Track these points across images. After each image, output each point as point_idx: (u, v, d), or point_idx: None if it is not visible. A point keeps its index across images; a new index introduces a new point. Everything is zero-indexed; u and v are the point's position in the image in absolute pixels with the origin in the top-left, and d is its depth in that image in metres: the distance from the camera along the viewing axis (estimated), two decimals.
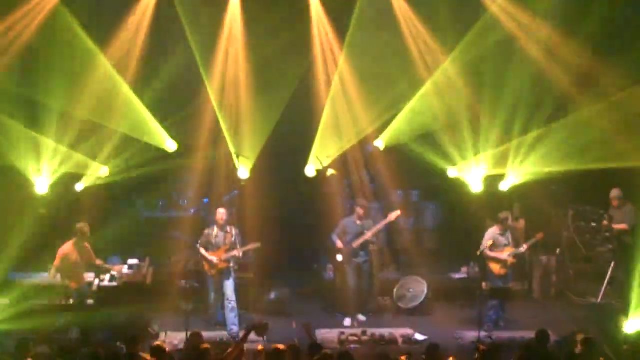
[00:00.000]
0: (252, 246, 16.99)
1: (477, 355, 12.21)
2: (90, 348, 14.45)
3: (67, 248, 16.11)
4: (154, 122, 19.17)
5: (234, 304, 16.73)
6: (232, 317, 16.63)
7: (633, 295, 16.95)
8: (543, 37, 18.85)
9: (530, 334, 15.18)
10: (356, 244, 17.48)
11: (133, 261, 16.74)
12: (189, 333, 14.53)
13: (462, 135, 19.63)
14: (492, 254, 17.01)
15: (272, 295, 18.27)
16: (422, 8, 19.01)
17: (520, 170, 19.35)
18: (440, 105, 19.54)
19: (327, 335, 16.72)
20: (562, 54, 18.69)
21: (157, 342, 14.52)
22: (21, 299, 15.26)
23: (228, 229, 16.87)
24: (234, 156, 19.33)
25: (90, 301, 15.75)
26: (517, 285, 18.88)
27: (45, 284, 15.74)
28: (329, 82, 19.66)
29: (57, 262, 16.01)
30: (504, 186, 19.49)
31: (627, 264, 18.53)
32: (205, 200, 19.67)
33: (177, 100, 19.32)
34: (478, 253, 17.12)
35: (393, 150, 19.94)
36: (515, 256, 17.23)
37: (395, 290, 18.53)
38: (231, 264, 16.84)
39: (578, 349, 12.71)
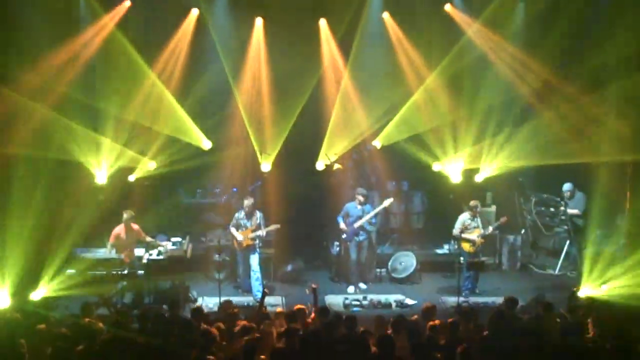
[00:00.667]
0: (273, 227, 16.95)
1: (457, 316, 12.24)
2: (140, 310, 14.52)
3: (119, 229, 16.21)
4: (193, 124, 19.13)
5: (258, 274, 16.74)
6: (257, 285, 16.63)
7: (584, 268, 16.94)
8: (510, 55, 18.82)
9: (500, 300, 15.21)
10: (357, 224, 17.46)
11: (176, 239, 16.70)
12: (221, 299, 14.57)
13: (444, 136, 19.57)
14: (464, 235, 17.05)
15: (289, 267, 18.24)
16: (412, 31, 19.05)
17: (492, 165, 19.27)
18: (426, 112, 19.48)
19: (333, 300, 16.77)
20: (526, 68, 18.65)
21: (196, 305, 14.66)
22: (84, 270, 15.23)
23: (254, 212, 16.85)
24: (258, 153, 19.33)
25: (140, 272, 15.71)
26: (489, 260, 18.83)
27: (103, 258, 15.68)
28: (335, 93, 19.62)
29: (111, 240, 16.11)
30: (478, 178, 19.42)
31: (579, 242, 18.56)
32: (234, 189, 19.58)
33: (212, 106, 19.27)
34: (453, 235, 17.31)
35: (388, 148, 19.86)
36: (484, 237, 17.24)
37: (389, 263, 18.49)
38: (256, 242, 16.83)
39: (539, 312, 12.69)
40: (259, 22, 19.16)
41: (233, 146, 19.53)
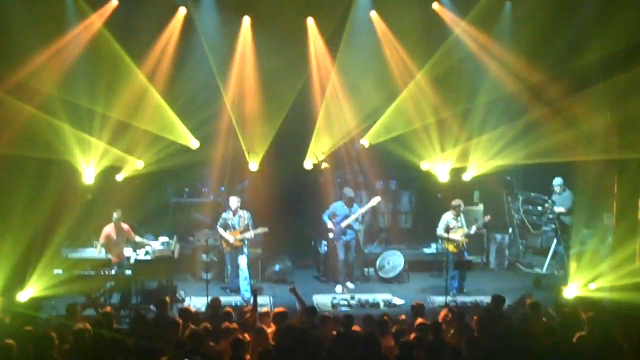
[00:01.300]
0: (261, 231, 16.91)
1: (450, 316, 12.26)
2: (128, 310, 14.53)
3: (109, 229, 16.13)
4: (180, 123, 19.13)
5: (247, 275, 16.73)
6: (245, 285, 16.63)
7: (571, 267, 17.01)
8: (498, 54, 18.85)
9: (488, 299, 15.25)
10: (344, 224, 17.47)
11: (164, 239, 16.62)
12: (209, 298, 14.57)
13: (431, 135, 19.63)
14: (446, 236, 17.06)
15: (277, 267, 18.24)
16: (399, 30, 19.04)
17: (480, 164, 19.34)
18: (414, 111, 19.52)
19: (321, 299, 16.78)
20: (513, 68, 18.67)
21: (185, 306, 14.64)
22: (72, 270, 15.18)
23: (241, 213, 16.84)
24: (246, 152, 19.32)
25: (128, 272, 15.66)
26: (476, 259, 18.89)
27: (91, 258, 15.65)
28: (323, 92, 19.65)
29: (101, 240, 16.04)
30: (466, 177, 19.51)
31: (566, 241, 18.62)
32: (222, 188, 19.59)
33: (199, 106, 19.18)
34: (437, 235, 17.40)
35: (376, 147, 19.87)
36: (468, 236, 17.29)
37: (377, 262, 18.52)
38: (245, 243, 16.82)
39: (527, 311, 12.72)
40: (246, 21, 19.13)
41: (221, 145, 19.49)
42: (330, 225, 17.54)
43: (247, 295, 16.41)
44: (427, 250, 19.72)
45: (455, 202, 17.28)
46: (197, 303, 16.01)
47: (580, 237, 18.66)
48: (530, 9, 18.08)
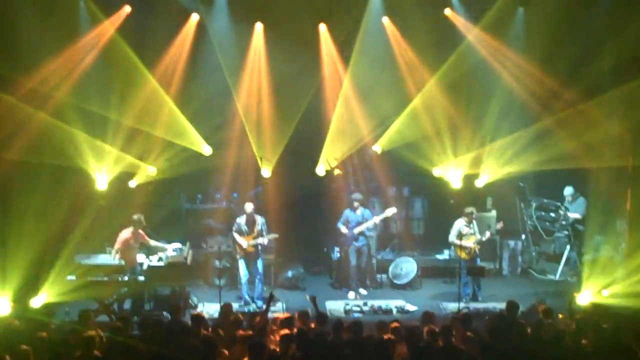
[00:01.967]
0: (272, 236, 16.94)
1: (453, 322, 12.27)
2: (140, 316, 14.55)
3: (127, 234, 16.09)
4: (193, 130, 19.16)
5: (261, 278, 16.81)
6: (259, 287, 16.70)
7: (584, 273, 16.97)
8: (510, 60, 18.84)
9: (501, 305, 15.22)
10: (357, 230, 17.49)
11: (176, 245, 16.67)
12: (222, 304, 14.59)
13: (444, 141, 19.60)
14: (459, 242, 17.06)
15: (289, 273, 18.26)
16: (411, 36, 18.97)
17: (492, 170, 19.32)
18: (426, 117, 19.51)
19: (334, 305, 16.81)
20: (526, 74, 18.67)
21: (197, 312, 14.65)
22: (84, 276, 15.22)
23: (255, 218, 16.85)
24: (258, 158, 19.34)
25: (141, 278, 15.70)
26: (489, 265, 18.86)
27: (103, 264, 15.70)
28: (335, 98, 19.65)
29: (118, 245, 15.98)
30: (478, 183, 19.48)
31: (579, 247, 18.59)
32: (235, 194, 19.63)
33: (212, 112, 19.18)
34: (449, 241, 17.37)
35: (388, 153, 19.87)
36: (480, 242, 17.26)
37: (390, 268, 18.52)
38: (258, 248, 16.85)
39: (540, 317, 12.70)
40: (259, 27, 19.15)
41: (233, 151, 19.51)
42: (344, 230, 17.57)
43: (260, 302, 16.47)
44: (439, 256, 19.67)
45: (467, 209, 17.27)
46: (209, 309, 16.02)
47: (594, 243, 18.66)
48: (543, 14, 18.08)
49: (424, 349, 10.61)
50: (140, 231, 16.26)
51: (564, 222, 18.83)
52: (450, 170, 19.50)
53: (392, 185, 20.11)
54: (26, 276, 15.13)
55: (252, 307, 16.41)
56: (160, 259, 16.06)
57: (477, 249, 17.22)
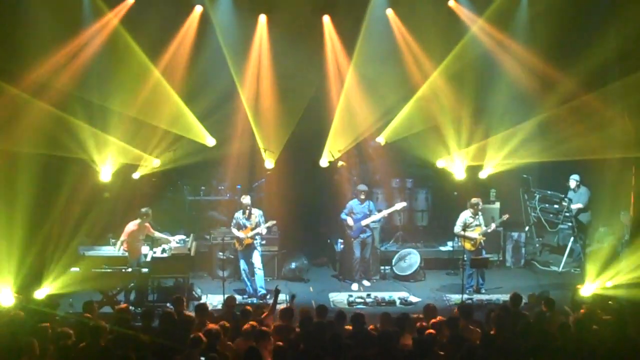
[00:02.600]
0: (270, 223, 16.77)
1: (456, 313, 12.27)
2: (144, 308, 14.56)
3: (133, 226, 16.05)
4: (197, 121, 19.16)
5: (261, 272, 16.70)
6: (260, 281, 16.64)
7: (587, 264, 16.97)
8: (514, 51, 18.84)
9: (504, 297, 15.24)
10: (364, 222, 17.45)
11: (180, 236, 16.69)
12: (225, 296, 14.60)
13: (447, 133, 19.58)
14: (463, 233, 17.00)
15: (293, 265, 18.21)
16: (415, 28, 19.03)
17: (496, 162, 19.29)
18: (430, 109, 19.51)
19: (337, 297, 16.80)
20: (530, 65, 18.66)
21: (201, 302, 14.66)
22: (88, 268, 15.23)
23: (252, 211, 16.80)
24: (262, 150, 19.33)
25: (145, 269, 15.71)
26: (493, 257, 18.81)
27: (107, 256, 15.70)
28: (339, 90, 19.63)
29: (124, 237, 15.96)
30: (482, 175, 19.46)
31: (582, 239, 18.58)
32: (238, 186, 19.61)
33: (216, 103, 19.16)
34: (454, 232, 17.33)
35: (392, 145, 19.90)
36: (485, 234, 17.23)
37: (393, 260, 18.49)
38: (256, 240, 16.78)
39: (542, 308, 12.69)
40: (262, 19, 19.18)
41: (237, 143, 19.52)
42: (350, 222, 17.48)
43: (263, 290, 16.43)
44: (442, 248, 19.63)
45: (473, 200, 17.19)
46: (213, 300, 16.04)
47: (597, 234, 18.67)
48: (547, 5, 18.08)
49: (428, 341, 10.60)
50: (147, 224, 16.24)
51: (567, 214, 18.79)
52: (454, 162, 19.47)
53: (395, 176, 20.06)
54: (30, 267, 15.13)
55: (255, 299, 16.38)
56: (164, 251, 16.09)
57: (482, 241, 17.18)
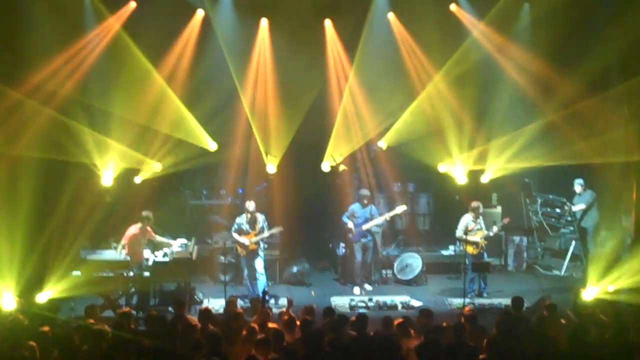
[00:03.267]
0: (276, 230, 16.81)
1: (462, 319, 12.23)
2: (146, 311, 14.55)
3: (135, 229, 16.06)
4: (198, 125, 19.15)
5: (263, 277, 16.69)
6: (262, 286, 16.60)
7: (589, 269, 16.93)
8: (516, 56, 18.81)
9: (505, 301, 15.20)
10: (365, 227, 17.45)
11: (181, 240, 16.67)
12: (226, 298, 14.59)
13: (449, 137, 19.56)
14: (465, 237, 16.98)
15: (294, 269, 18.20)
16: (417, 32, 18.98)
17: (498, 166, 19.27)
18: (431, 113, 19.49)
19: (339, 301, 16.77)
20: (531, 69, 18.63)
21: (204, 307, 14.63)
22: (90, 272, 15.23)
23: (256, 216, 16.78)
24: (264, 154, 19.31)
25: (146, 273, 15.69)
26: (494, 261, 18.78)
27: (109, 260, 15.70)
28: (340, 94, 19.63)
29: (125, 241, 15.96)
30: (484, 179, 19.44)
31: (585, 243, 18.55)
32: (240, 190, 19.63)
33: (217, 107, 19.14)
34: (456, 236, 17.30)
35: (393, 149, 19.89)
36: (487, 238, 17.19)
37: (395, 264, 18.49)
38: (260, 245, 16.77)
39: (544, 313, 12.67)
40: (264, 22, 19.15)
41: (238, 147, 19.51)
42: (350, 225, 17.50)
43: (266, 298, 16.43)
44: (444, 252, 19.61)
45: (474, 204, 17.17)
46: (214, 304, 15.97)
47: (599, 239, 18.62)
48: (549, 9, 18.02)
49: (430, 346, 10.57)
50: (148, 228, 16.23)
51: (569, 218, 18.78)
52: (456, 166, 19.46)
53: (397, 181, 20.06)
54: (32, 271, 15.13)
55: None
56: (165, 255, 16.05)
57: (484, 244, 17.14)
